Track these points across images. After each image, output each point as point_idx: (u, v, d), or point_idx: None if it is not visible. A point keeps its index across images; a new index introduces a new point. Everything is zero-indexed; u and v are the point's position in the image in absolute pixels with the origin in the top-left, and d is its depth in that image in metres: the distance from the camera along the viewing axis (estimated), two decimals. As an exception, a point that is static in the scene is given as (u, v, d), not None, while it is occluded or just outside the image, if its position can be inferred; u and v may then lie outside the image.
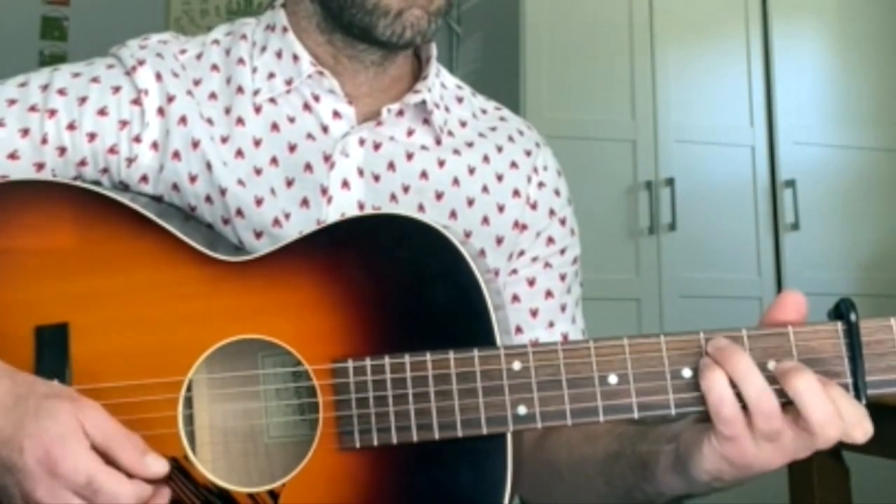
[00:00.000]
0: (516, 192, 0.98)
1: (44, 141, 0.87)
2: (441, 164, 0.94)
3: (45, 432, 0.67)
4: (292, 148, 0.91)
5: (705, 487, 0.71)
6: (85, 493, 0.67)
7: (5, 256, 0.79)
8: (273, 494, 0.72)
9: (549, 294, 0.98)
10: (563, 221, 1.01)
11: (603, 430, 0.83)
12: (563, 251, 1.00)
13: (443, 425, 0.70)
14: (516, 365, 0.70)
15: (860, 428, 0.64)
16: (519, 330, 0.96)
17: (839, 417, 0.64)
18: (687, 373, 0.68)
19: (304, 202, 0.89)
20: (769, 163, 2.84)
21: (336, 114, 0.92)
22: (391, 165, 0.92)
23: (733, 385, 0.65)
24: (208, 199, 0.89)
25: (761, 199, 2.82)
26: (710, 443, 0.67)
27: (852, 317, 0.67)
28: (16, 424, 0.68)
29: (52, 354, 0.76)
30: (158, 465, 0.70)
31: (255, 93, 0.92)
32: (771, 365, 0.67)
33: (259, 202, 0.88)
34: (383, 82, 0.94)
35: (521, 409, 0.69)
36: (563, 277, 1.00)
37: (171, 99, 0.90)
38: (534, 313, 0.97)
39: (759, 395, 0.64)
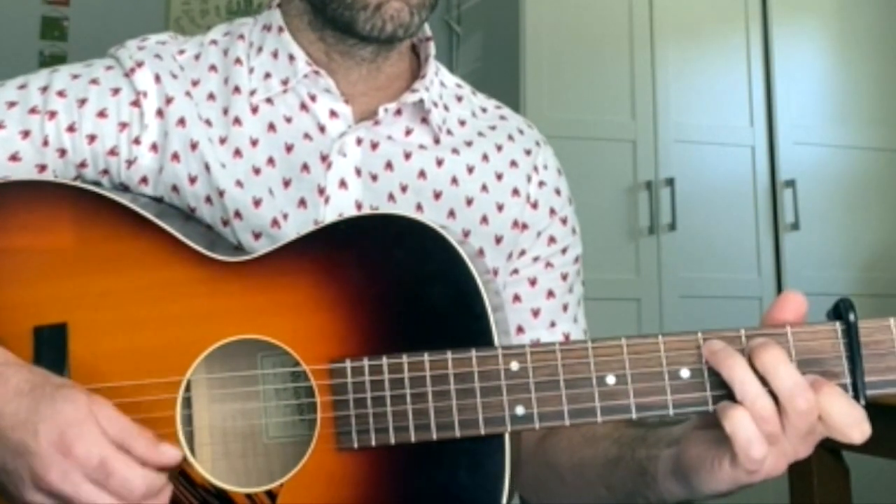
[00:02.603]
0: (516, 191, 0.97)
1: (45, 143, 0.88)
2: (439, 163, 0.94)
3: (61, 415, 0.67)
4: (289, 148, 0.91)
5: (708, 497, 0.71)
6: (97, 476, 0.67)
7: (4, 256, 0.79)
8: (271, 495, 0.72)
9: (550, 294, 0.98)
10: (564, 221, 1.01)
11: (602, 432, 0.83)
12: (564, 250, 1.00)
13: (441, 426, 0.70)
14: (514, 365, 0.69)
15: (858, 429, 0.64)
16: (520, 330, 0.96)
17: (807, 389, 0.64)
18: (685, 373, 0.68)
19: (302, 202, 0.89)
20: (769, 163, 2.84)
21: (333, 113, 0.92)
22: (389, 165, 0.92)
23: (731, 393, 0.65)
24: (208, 199, 0.89)
25: (761, 199, 2.81)
26: (722, 468, 0.67)
27: (851, 317, 0.66)
28: (30, 408, 0.68)
29: (50, 354, 0.76)
30: (172, 453, 0.71)
31: (252, 93, 0.92)
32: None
33: (257, 203, 0.88)
34: (378, 80, 0.94)
35: (519, 410, 0.69)
36: (564, 277, 1.00)
37: (169, 100, 0.90)
38: (535, 313, 0.97)
39: (755, 399, 0.65)
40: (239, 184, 0.88)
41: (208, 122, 0.90)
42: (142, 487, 0.68)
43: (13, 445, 0.68)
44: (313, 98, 0.92)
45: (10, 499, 0.69)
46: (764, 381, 0.65)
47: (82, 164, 0.89)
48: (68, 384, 0.71)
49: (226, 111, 0.91)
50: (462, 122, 0.99)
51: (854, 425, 0.64)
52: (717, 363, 0.66)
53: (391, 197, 0.91)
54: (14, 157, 0.87)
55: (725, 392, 0.67)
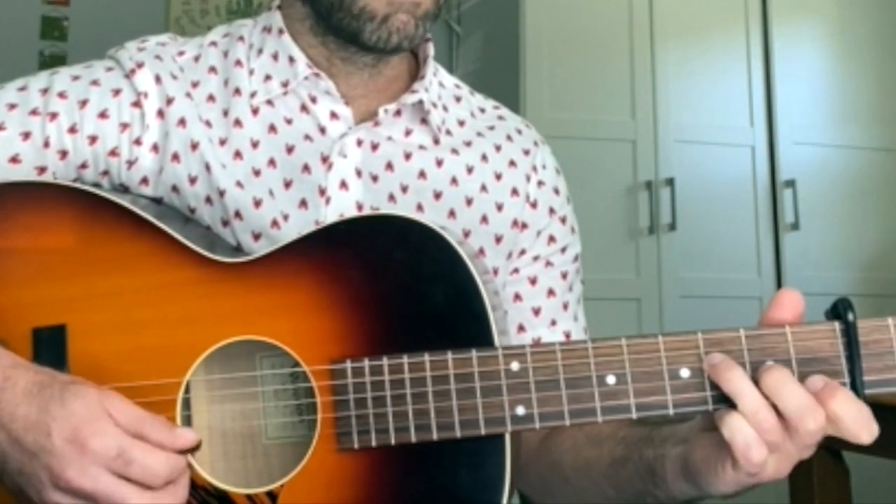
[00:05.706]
0: (515, 191, 0.98)
1: (46, 144, 0.87)
2: (439, 163, 0.94)
3: (72, 414, 0.67)
4: (290, 149, 0.91)
5: (717, 495, 0.72)
6: (116, 465, 0.67)
7: (3, 257, 0.79)
8: (271, 495, 0.72)
9: (550, 293, 0.98)
10: (563, 220, 1.01)
11: (607, 432, 0.83)
12: (563, 249, 1.00)
13: (441, 426, 0.70)
14: (514, 365, 0.70)
15: (867, 430, 0.65)
16: (521, 329, 0.96)
17: (815, 407, 0.64)
18: (685, 373, 0.68)
19: (303, 203, 0.89)
20: (769, 163, 2.84)
21: (333, 115, 0.92)
22: (389, 165, 0.92)
23: (733, 404, 0.66)
24: (208, 200, 0.89)
25: (761, 199, 2.82)
26: (725, 471, 0.67)
27: (850, 316, 0.67)
28: (41, 409, 0.68)
29: (49, 356, 0.75)
30: (189, 435, 0.71)
31: (252, 95, 0.92)
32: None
33: (258, 203, 0.88)
34: (378, 83, 0.94)
35: (520, 410, 0.69)
36: (564, 276, 1.00)
37: (170, 101, 0.90)
38: (536, 312, 0.97)
39: (756, 411, 0.65)
40: (239, 184, 0.89)
41: (208, 123, 0.90)
42: (164, 471, 0.68)
43: (28, 447, 0.68)
44: (314, 100, 0.92)
45: (30, 503, 0.69)
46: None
47: (83, 166, 0.89)
48: (76, 381, 0.71)
49: (226, 113, 0.91)
50: (461, 123, 0.99)
51: (864, 427, 0.65)
52: (717, 376, 0.67)
53: (391, 197, 0.91)
54: (14, 159, 0.87)
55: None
